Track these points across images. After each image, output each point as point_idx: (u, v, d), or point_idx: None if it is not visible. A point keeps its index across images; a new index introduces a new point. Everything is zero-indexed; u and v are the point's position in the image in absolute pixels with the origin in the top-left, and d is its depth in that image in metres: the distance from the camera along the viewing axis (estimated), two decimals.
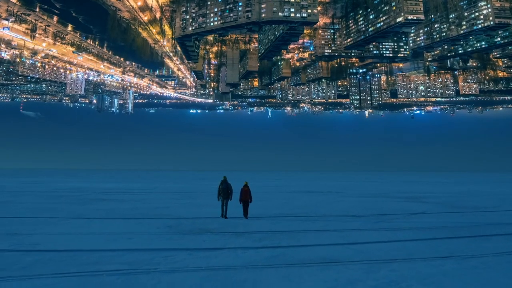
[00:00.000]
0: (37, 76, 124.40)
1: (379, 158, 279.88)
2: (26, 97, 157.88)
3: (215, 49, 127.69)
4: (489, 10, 76.88)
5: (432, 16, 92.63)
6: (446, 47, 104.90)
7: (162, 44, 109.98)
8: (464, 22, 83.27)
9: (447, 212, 23.18)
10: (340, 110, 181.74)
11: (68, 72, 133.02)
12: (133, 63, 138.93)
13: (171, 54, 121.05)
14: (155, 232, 15.04)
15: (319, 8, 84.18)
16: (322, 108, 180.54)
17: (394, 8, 78.46)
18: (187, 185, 59.53)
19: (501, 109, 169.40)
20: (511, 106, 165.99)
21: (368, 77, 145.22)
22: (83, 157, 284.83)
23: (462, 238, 14.27)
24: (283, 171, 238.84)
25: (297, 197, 35.81)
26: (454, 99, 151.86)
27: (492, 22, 76.61)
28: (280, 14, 70.75)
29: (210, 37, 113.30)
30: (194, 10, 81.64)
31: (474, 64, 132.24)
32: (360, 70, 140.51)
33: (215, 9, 77.75)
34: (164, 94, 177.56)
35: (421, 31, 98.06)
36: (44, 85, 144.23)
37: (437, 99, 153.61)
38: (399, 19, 77.32)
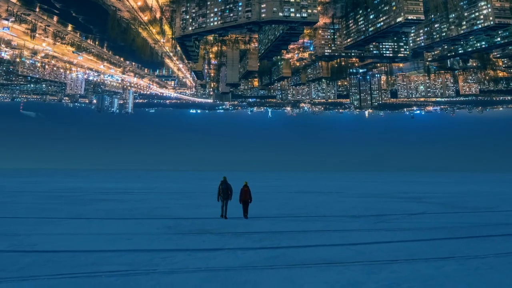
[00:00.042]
0: (37, 76, 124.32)
1: (379, 158, 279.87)
2: (26, 97, 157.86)
3: (215, 49, 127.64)
4: (489, 10, 76.82)
5: (432, 16, 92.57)
6: (446, 47, 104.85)
7: (162, 44, 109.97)
8: (464, 22, 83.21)
9: (448, 213, 23.12)
10: (340, 110, 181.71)
11: (68, 71, 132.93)
12: (133, 63, 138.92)
13: (171, 54, 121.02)
14: (155, 233, 14.97)
15: (319, 8, 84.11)
16: (322, 108, 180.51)
17: (394, 8, 78.41)
18: (187, 185, 59.45)
19: (501, 109, 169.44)
20: (511, 106, 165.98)
21: (368, 77, 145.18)
22: (83, 157, 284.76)
23: (463, 239, 14.20)
24: (283, 171, 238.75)
25: (297, 197, 35.74)
26: (454, 99, 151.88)
27: (492, 22, 76.55)
28: (280, 14, 70.69)
29: (210, 37, 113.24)
30: (194, 10, 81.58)
31: (474, 64, 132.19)
32: (360, 70, 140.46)
33: (215, 9, 77.69)
34: (164, 94, 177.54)
35: (421, 31, 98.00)
36: (44, 85, 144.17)
37: (437, 99, 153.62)
38: (399, 19, 77.27)
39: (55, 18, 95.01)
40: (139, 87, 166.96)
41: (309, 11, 71.56)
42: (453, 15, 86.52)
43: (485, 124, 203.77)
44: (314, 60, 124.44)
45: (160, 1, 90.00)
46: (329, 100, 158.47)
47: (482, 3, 77.88)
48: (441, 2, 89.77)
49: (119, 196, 34.28)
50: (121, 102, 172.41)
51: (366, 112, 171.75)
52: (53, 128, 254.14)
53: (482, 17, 78.57)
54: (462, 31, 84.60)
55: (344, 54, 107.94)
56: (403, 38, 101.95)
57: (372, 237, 14.26)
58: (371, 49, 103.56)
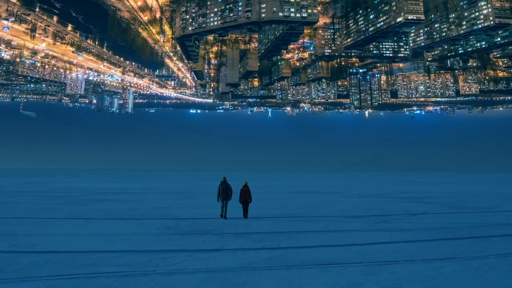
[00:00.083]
0: (37, 76, 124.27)
1: (379, 158, 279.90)
2: (26, 97, 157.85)
3: (215, 49, 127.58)
4: (489, 10, 76.74)
5: (432, 16, 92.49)
6: (446, 47, 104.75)
7: (162, 44, 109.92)
8: (464, 22, 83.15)
9: (448, 213, 23.09)
10: (340, 110, 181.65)
11: (68, 71, 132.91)
12: (133, 63, 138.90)
13: (171, 54, 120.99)
14: (154, 233, 14.94)
15: (319, 8, 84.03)
16: (322, 108, 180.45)
17: (394, 8, 78.36)
18: (187, 185, 59.45)
19: (501, 109, 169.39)
20: (511, 106, 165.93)
21: (368, 77, 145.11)
22: (83, 157, 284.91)
23: (463, 239, 14.17)
24: (283, 171, 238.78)
25: (297, 197, 35.72)
26: (454, 99, 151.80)
27: (492, 22, 76.47)
28: (280, 14, 70.63)
29: (210, 37, 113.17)
30: (194, 10, 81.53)
31: (474, 64, 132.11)
32: (360, 70, 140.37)
33: (215, 9, 77.64)
34: (164, 94, 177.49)
35: (421, 31, 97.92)
36: (44, 85, 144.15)
37: (437, 99, 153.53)
38: (399, 19, 77.23)
39: (55, 18, 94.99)
40: (139, 87, 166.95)
41: (309, 11, 71.52)
42: (453, 15, 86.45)
43: (485, 124, 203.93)
44: (314, 60, 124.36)
45: (160, 1, 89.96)
46: (329, 100, 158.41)
47: (482, 3, 77.81)
48: (441, 2, 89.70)
49: (119, 196, 34.27)
50: (121, 102, 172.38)
51: (366, 112, 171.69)
52: (53, 128, 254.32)
53: (482, 17, 78.50)
54: (462, 31, 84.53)
55: (344, 54, 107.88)
56: (403, 38, 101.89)
57: (372, 238, 14.23)
58: (371, 49, 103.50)
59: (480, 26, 79.09)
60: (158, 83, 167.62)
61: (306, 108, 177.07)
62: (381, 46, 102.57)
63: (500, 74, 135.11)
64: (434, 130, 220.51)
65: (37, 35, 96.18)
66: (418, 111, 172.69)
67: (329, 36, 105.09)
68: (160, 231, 15.48)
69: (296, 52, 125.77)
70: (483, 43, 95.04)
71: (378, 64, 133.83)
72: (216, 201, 19.68)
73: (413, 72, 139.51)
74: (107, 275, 9.03)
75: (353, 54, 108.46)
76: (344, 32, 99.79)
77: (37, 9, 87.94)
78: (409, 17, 75.94)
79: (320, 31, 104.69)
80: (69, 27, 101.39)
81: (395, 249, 12.20)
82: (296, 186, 58.17)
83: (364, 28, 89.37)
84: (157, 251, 11.58)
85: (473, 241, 13.81)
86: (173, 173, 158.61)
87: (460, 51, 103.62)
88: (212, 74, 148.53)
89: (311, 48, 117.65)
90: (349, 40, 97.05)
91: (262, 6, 71.69)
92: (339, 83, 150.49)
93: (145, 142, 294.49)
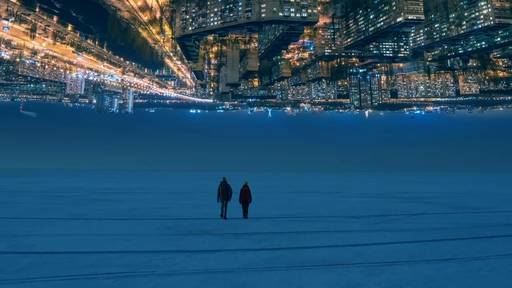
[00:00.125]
0: (37, 76, 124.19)
1: (379, 158, 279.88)
2: (26, 97, 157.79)
3: (215, 49, 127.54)
4: (489, 10, 76.69)
5: (432, 16, 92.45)
6: (446, 47, 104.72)
7: (162, 44, 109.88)
8: (464, 22, 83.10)
9: (448, 213, 23.05)
10: (340, 110, 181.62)
11: (68, 71, 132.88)
12: (133, 63, 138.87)
13: (171, 54, 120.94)
14: (154, 234, 14.89)
15: (319, 8, 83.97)
16: (322, 108, 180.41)
17: (394, 8, 78.32)
18: (187, 185, 59.42)
19: (501, 109, 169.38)
20: (511, 106, 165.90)
21: (368, 77, 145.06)
22: (83, 157, 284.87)
23: (464, 240, 14.13)
24: (283, 171, 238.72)
25: (297, 197, 35.68)
26: (454, 99, 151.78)
27: (492, 22, 76.41)
28: (280, 14, 70.58)
29: (210, 37, 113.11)
30: (194, 10, 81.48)
31: (474, 64, 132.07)
32: (360, 70, 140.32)
33: (215, 9, 77.59)
34: (164, 94, 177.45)
35: (421, 31, 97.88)
36: (44, 85, 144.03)
37: (437, 99, 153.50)
38: (399, 19, 77.18)
39: (55, 18, 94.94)
40: (139, 87, 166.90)
41: (309, 11, 71.47)
42: (453, 15, 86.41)
43: (485, 124, 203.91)
44: (314, 60, 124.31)
45: (160, 1, 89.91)
46: (329, 100, 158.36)
47: (482, 3, 77.76)
48: (441, 2, 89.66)
49: (119, 196, 34.23)
50: (121, 102, 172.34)
51: (366, 112, 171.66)
52: (53, 128, 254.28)
53: (482, 17, 78.45)
54: (462, 31, 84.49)
55: (344, 54, 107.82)
56: (403, 38, 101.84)
57: (373, 238, 14.18)
58: (371, 49, 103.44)
59: (480, 26, 79.04)
60: (158, 83, 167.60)
61: (306, 108, 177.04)
62: (381, 46, 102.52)
63: (500, 74, 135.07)
64: (434, 130, 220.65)
65: (37, 35, 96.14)
66: (418, 111, 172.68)
67: (329, 36, 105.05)
68: (159, 231, 15.43)
69: (296, 52, 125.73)
70: (483, 43, 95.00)
71: (378, 64, 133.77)
72: (216, 202, 19.64)
73: (413, 72, 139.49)
74: (106, 276, 8.98)
75: (353, 54, 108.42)
76: (344, 32, 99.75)
77: (37, 9, 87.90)
78: (409, 17, 75.89)
79: (320, 31, 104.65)
80: (69, 27, 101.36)
81: (395, 250, 12.15)
82: (296, 186, 58.13)
83: (364, 28, 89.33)
84: (156, 252, 11.53)
85: (474, 242, 13.76)
86: (173, 173, 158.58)
87: (460, 51, 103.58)
88: (212, 74, 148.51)
89: (311, 48, 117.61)
90: (349, 40, 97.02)
91: (262, 6, 71.64)
92: (339, 83, 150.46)
93: (145, 142, 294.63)
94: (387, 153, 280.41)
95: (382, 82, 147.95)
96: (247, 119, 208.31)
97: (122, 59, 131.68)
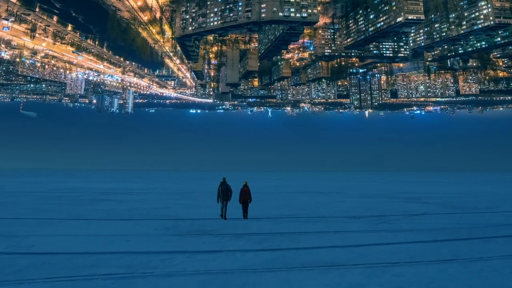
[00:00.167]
0: (37, 76, 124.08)
1: (379, 158, 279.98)
2: (26, 97, 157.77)
3: (215, 49, 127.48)
4: (489, 10, 76.65)
5: (432, 16, 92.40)
6: (446, 47, 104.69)
7: (162, 44, 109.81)
8: (464, 22, 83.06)
9: (448, 213, 22.98)
10: (340, 110, 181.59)
11: (68, 71, 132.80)
12: (133, 63, 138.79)
13: (171, 54, 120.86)
14: (153, 234, 14.83)
15: (319, 8, 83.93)
16: (322, 108, 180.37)
17: (394, 8, 78.28)
18: (187, 185, 59.36)
19: (501, 109, 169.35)
20: (511, 106, 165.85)
21: (368, 77, 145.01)
22: (83, 157, 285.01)
23: (465, 240, 14.07)
24: (283, 171, 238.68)
25: (297, 197, 35.61)
26: (454, 99, 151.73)
27: (492, 22, 76.37)
28: (280, 14, 70.53)
29: (210, 37, 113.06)
30: (194, 10, 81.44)
31: (474, 64, 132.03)
32: (360, 70, 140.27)
33: (215, 9, 77.55)
34: (164, 94, 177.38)
35: (421, 31, 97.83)
36: (44, 85, 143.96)
37: (437, 99, 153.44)
38: (399, 19, 77.14)
39: (55, 18, 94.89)
40: (139, 87, 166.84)
41: (309, 11, 71.42)
42: (453, 15, 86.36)
43: (485, 124, 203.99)
44: (314, 60, 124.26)
45: (160, 1, 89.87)
46: (329, 100, 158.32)
47: (482, 3, 77.72)
48: (441, 2, 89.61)
49: (119, 197, 34.17)
50: (121, 102, 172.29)
51: (366, 112, 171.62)
52: (53, 128, 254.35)
53: (482, 17, 78.40)
54: (462, 31, 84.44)
55: (344, 54, 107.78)
56: (403, 38, 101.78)
57: (373, 239, 14.12)
58: (371, 49, 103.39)
59: (480, 26, 79.00)
60: (158, 83, 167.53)
61: (306, 108, 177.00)
62: (381, 46, 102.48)
63: (500, 74, 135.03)
64: (434, 130, 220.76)
65: (37, 35, 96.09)
66: (418, 111, 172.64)
67: (329, 36, 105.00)
68: (159, 232, 15.37)
69: (296, 52, 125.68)
70: (483, 43, 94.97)
71: (378, 64, 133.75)
72: (216, 202, 19.58)
73: (413, 72, 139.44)
74: (105, 277, 8.92)
75: (353, 54, 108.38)
76: (344, 32, 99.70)
77: (37, 9, 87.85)
78: (409, 17, 75.86)
79: (320, 31, 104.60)
80: (69, 27, 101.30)
81: (396, 250, 12.09)
82: (296, 186, 58.06)
83: (364, 28, 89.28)
84: (156, 253, 11.47)
85: (474, 242, 13.70)
86: (173, 173, 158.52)
87: (460, 51, 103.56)
88: (212, 74, 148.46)
89: (311, 48, 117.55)
90: (349, 40, 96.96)
91: (262, 6, 71.59)
92: (339, 83, 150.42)
93: (145, 142, 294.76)
94: (387, 153, 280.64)
95: (382, 82, 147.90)
96: (247, 119, 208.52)
97: (122, 59, 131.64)
